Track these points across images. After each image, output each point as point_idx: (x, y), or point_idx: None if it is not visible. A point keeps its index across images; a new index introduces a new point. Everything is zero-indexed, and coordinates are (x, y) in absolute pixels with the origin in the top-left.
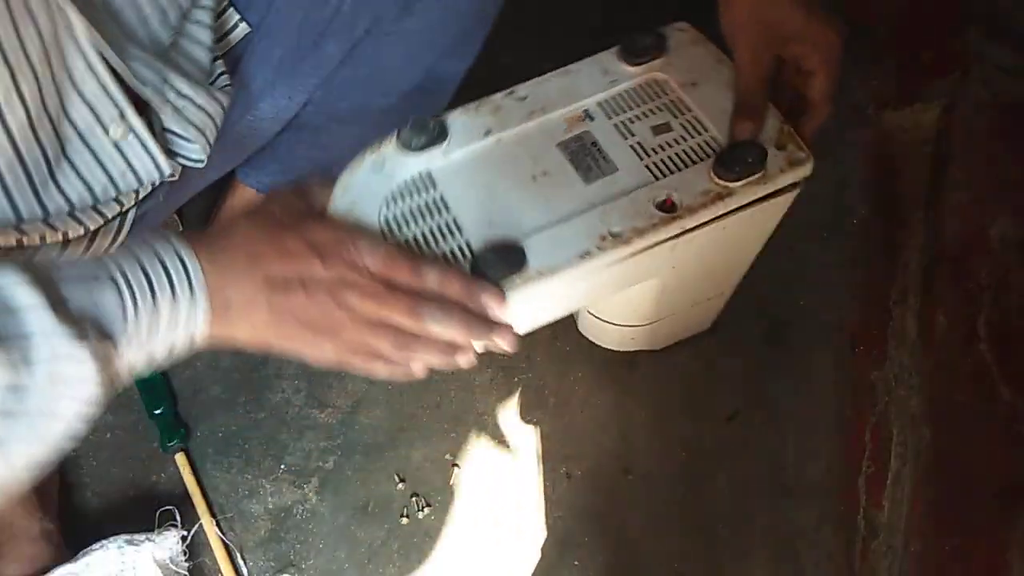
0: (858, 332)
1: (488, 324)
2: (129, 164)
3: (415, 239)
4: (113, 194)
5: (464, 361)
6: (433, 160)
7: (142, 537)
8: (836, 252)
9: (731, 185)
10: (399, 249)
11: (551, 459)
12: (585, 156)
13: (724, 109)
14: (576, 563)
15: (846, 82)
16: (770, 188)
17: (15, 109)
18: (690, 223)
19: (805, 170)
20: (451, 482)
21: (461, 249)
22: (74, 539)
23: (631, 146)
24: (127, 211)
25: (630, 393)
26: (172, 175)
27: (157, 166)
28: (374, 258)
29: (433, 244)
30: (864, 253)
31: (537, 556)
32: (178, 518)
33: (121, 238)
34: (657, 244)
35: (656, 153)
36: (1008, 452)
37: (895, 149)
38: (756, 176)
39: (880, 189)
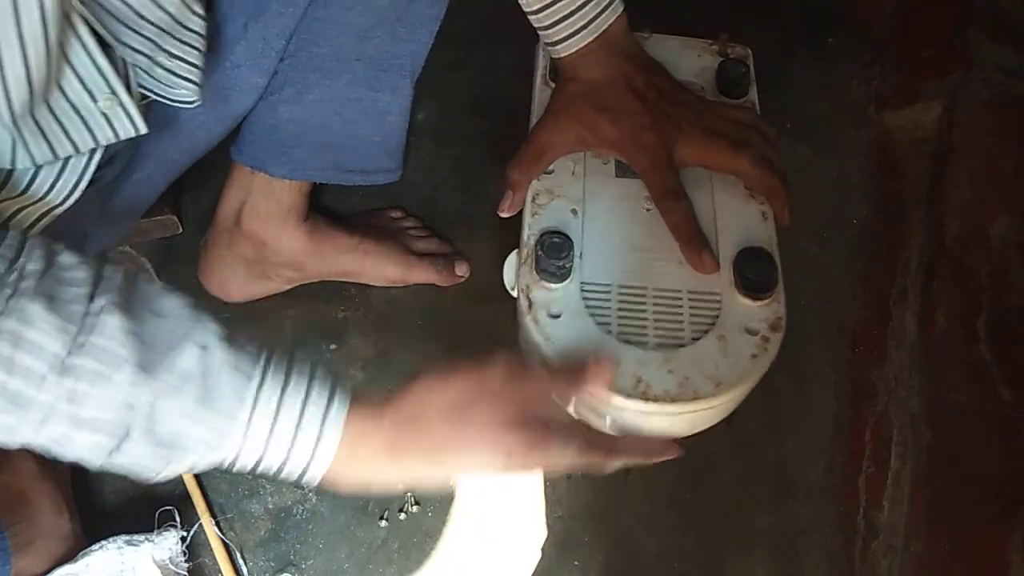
0: (858, 332)
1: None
2: (111, 126)
3: (643, 323)
4: (91, 145)
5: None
6: (575, 276)
7: (141, 537)
8: (836, 252)
9: None
10: None
11: None
12: None
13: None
14: (576, 563)
15: (846, 82)
16: None
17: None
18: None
19: None
20: (451, 482)
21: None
22: None
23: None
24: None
25: None
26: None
27: (135, 126)
28: None
29: (662, 308)
30: (864, 253)
31: (537, 556)
32: (178, 518)
33: (88, 174)
34: None
35: None
36: (1008, 452)
37: (895, 149)
38: None
39: (880, 189)
